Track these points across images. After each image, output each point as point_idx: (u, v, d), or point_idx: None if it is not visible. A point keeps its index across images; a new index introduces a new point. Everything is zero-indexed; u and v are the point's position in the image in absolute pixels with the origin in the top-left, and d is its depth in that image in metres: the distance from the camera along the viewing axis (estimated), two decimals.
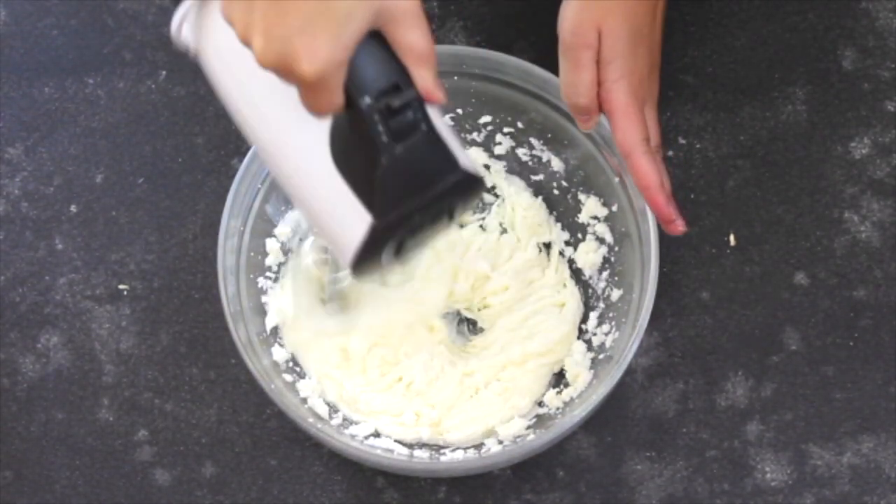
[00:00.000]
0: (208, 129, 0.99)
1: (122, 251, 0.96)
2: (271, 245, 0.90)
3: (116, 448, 0.92)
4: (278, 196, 0.88)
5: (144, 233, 0.97)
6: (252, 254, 0.88)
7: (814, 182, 0.97)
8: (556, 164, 0.92)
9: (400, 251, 0.71)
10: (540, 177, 0.93)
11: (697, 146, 0.98)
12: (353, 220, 0.67)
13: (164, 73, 1.01)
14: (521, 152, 0.93)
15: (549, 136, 0.91)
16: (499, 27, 1.01)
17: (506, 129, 0.92)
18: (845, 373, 0.92)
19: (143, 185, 0.98)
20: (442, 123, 0.67)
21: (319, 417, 0.86)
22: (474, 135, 0.93)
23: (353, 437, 0.86)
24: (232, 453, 0.91)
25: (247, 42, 0.62)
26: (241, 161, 0.87)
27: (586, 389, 0.87)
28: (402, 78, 0.63)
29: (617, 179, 0.88)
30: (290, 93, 0.63)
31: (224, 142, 0.99)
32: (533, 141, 0.92)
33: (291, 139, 0.69)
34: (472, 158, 0.74)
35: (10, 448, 0.92)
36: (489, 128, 0.92)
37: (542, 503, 0.90)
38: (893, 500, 0.89)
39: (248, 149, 0.87)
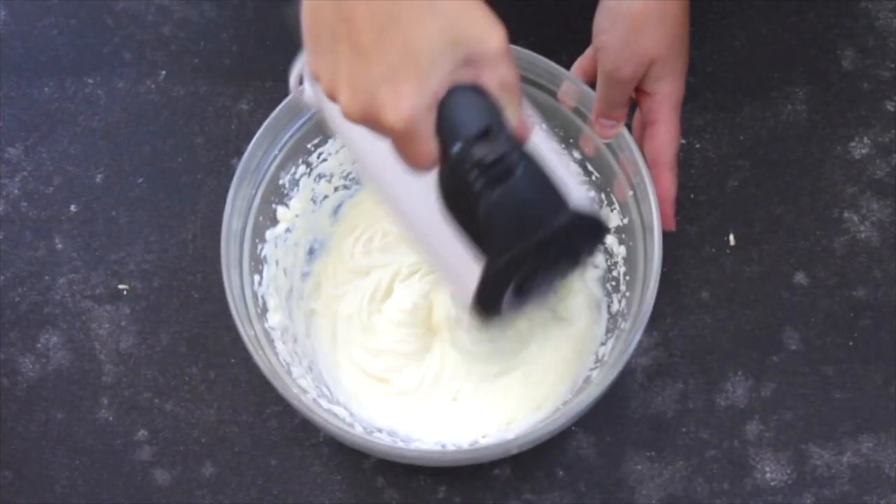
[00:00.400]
0: (208, 129, 1.00)
1: (121, 251, 0.96)
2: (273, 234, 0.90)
3: (116, 448, 0.92)
4: None
5: (144, 233, 0.97)
6: (261, 218, 0.88)
7: (814, 182, 0.97)
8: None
9: (522, 295, 0.69)
10: None
11: (697, 146, 0.98)
12: (468, 265, 0.66)
13: (163, 73, 1.01)
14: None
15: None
16: None
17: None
18: (845, 373, 0.92)
19: (143, 185, 0.98)
20: (554, 156, 0.65)
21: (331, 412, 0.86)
22: None
23: (355, 427, 0.86)
24: (232, 453, 0.91)
25: (333, 97, 0.61)
26: (241, 161, 0.87)
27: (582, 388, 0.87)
28: (494, 121, 0.61)
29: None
30: None
31: (224, 142, 0.99)
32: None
33: (406, 189, 0.69)
34: (587, 195, 0.72)
35: (10, 448, 0.92)
36: None
37: (542, 503, 0.90)
38: (893, 500, 0.89)
39: (247, 149, 0.87)
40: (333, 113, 0.69)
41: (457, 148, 0.60)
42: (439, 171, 0.63)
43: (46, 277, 0.96)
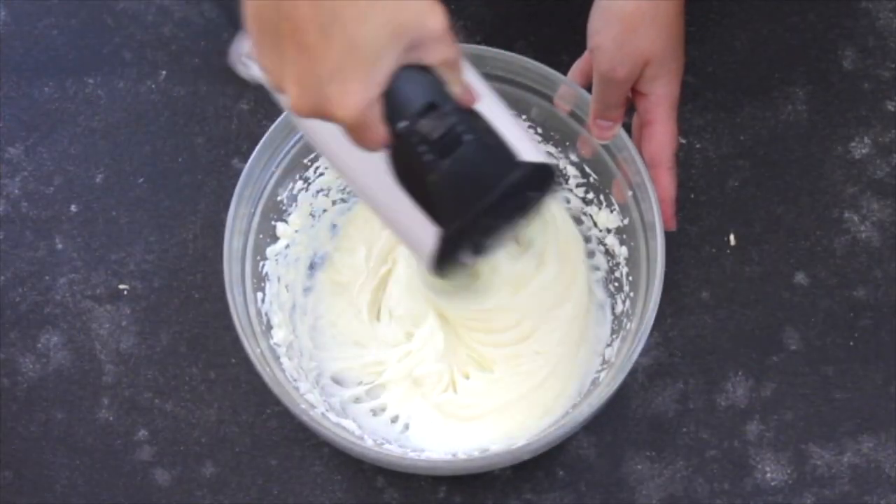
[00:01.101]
0: (208, 129, 0.99)
1: (122, 251, 0.96)
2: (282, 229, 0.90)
3: (116, 448, 0.92)
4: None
5: (144, 233, 0.97)
6: (261, 236, 0.88)
7: (814, 182, 0.97)
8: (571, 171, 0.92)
9: (480, 249, 0.72)
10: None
11: (697, 146, 0.98)
12: (424, 233, 0.69)
13: (164, 73, 1.01)
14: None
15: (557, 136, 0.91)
16: (499, 27, 1.01)
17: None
18: (845, 373, 0.92)
19: (143, 185, 0.98)
20: (505, 119, 0.67)
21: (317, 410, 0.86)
22: None
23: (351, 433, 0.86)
24: (232, 453, 0.91)
25: (280, 90, 0.62)
26: (241, 161, 0.87)
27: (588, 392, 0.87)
28: (438, 95, 0.63)
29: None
30: None
31: (224, 142, 0.99)
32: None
33: (358, 161, 0.70)
34: (538, 148, 0.73)
35: (10, 448, 0.92)
36: None
37: (542, 503, 0.90)
38: (893, 500, 0.89)
39: (248, 149, 0.87)
40: None
41: (403, 125, 0.63)
42: (390, 147, 0.65)
43: (47, 277, 0.96)
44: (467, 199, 0.66)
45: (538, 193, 0.71)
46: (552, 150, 0.90)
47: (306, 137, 0.75)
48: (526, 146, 0.68)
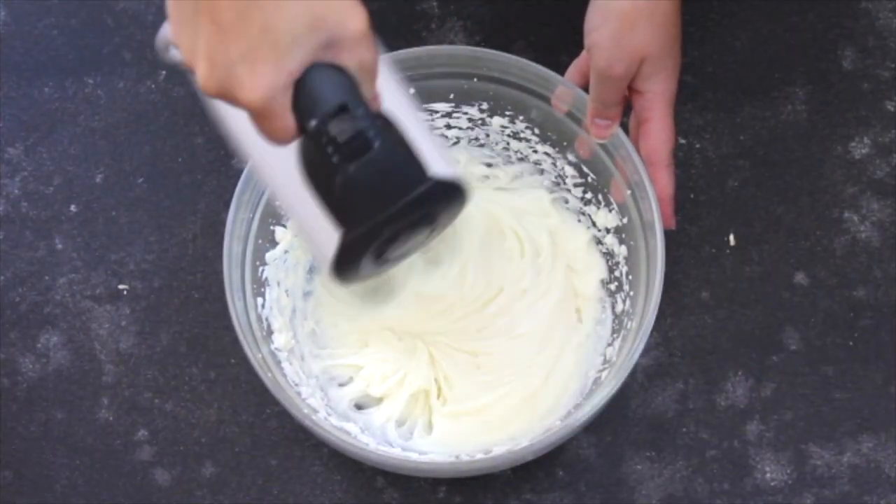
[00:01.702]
0: (208, 129, 0.99)
1: (122, 251, 0.96)
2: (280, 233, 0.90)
3: (116, 448, 0.92)
4: None
5: (144, 233, 0.97)
6: (260, 241, 0.88)
7: (814, 182, 0.97)
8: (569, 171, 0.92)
9: (382, 259, 0.72)
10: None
11: (697, 146, 0.98)
12: (327, 235, 0.68)
13: (163, 73, 1.01)
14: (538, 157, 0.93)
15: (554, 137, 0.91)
16: (499, 27, 1.01)
17: (522, 134, 0.92)
18: (845, 373, 0.92)
19: (143, 185, 0.98)
20: (420, 131, 0.67)
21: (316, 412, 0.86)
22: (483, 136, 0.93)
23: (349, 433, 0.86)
24: (232, 453, 0.91)
25: (192, 67, 0.62)
26: (241, 161, 0.87)
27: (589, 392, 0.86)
28: (351, 97, 0.63)
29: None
30: None
31: (224, 142, 0.98)
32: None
33: (270, 159, 0.71)
34: (452, 163, 0.73)
35: (10, 448, 0.92)
36: (506, 131, 0.92)
37: (542, 503, 0.90)
38: (893, 500, 0.89)
39: (243, 172, 0.87)
40: None
41: (314, 123, 0.62)
42: (300, 143, 0.65)
43: (46, 277, 0.96)
44: (371, 206, 0.66)
45: (447, 208, 0.70)
46: (550, 150, 0.91)
47: (219, 125, 0.74)
48: (437, 160, 0.68)
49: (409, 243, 0.72)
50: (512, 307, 0.92)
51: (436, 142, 0.68)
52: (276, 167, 0.72)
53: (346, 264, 0.70)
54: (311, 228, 0.72)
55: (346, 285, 0.75)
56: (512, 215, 0.94)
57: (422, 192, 0.66)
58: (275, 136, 0.63)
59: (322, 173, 0.65)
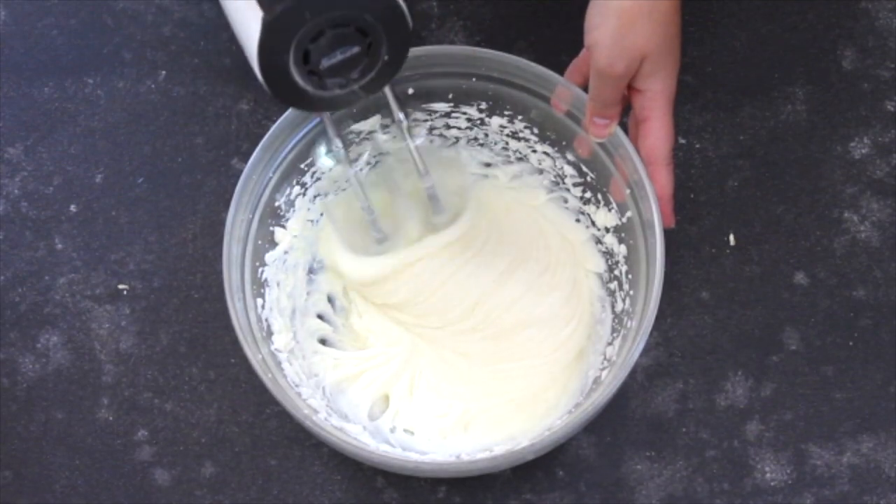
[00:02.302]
0: (208, 129, 0.99)
1: (121, 251, 0.96)
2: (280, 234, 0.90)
3: (116, 448, 0.92)
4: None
5: (144, 233, 0.97)
6: (259, 242, 0.88)
7: (814, 182, 0.97)
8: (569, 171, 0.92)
9: (315, 74, 0.70)
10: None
11: (697, 146, 0.98)
12: (252, 22, 0.67)
13: (163, 73, 1.01)
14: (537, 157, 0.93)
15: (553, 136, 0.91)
16: (499, 27, 1.01)
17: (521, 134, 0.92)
18: (845, 373, 0.92)
19: (142, 185, 0.98)
20: None
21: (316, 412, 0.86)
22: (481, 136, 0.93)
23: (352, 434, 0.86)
24: (232, 453, 0.91)
25: None
26: (240, 161, 0.87)
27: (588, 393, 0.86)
28: None
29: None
30: None
31: (224, 142, 0.99)
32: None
33: None
34: None
35: (10, 448, 0.92)
36: (506, 131, 0.92)
37: (542, 503, 0.90)
38: (893, 500, 0.89)
39: (248, 149, 0.87)
40: None
41: None
42: None
43: (46, 277, 0.96)
44: None
45: (377, 24, 0.68)
46: (549, 149, 0.91)
47: None
48: None
49: (340, 57, 0.70)
50: (512, 307, 0.92)
51: None
52: None
53: (271, 56, 0.68)
54: (240, 24, 0.70)
55: (287, 102, 0.73)
56: (512, 215, 0.94)
57: None
58: None
59: None
